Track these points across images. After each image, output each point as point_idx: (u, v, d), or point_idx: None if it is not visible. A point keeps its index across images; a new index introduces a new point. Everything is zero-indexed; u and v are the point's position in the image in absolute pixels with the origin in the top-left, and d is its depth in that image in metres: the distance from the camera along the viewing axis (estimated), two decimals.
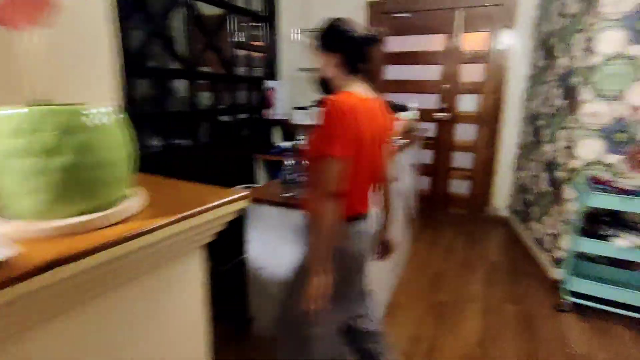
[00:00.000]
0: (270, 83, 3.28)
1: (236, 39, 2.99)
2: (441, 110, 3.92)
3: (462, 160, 3.96)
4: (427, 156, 4.09)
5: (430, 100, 3.96)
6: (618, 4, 2.17)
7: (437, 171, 4.07)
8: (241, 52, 3.13)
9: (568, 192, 2.49)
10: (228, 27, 2.81)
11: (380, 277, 1.96)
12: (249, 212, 1.87)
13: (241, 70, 3.14)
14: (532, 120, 3.30)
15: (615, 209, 2.10)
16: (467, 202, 4.01)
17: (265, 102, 3.28)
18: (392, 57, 4.05)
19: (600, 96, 2.30)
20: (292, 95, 3.59)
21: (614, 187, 2.11)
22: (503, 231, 3.61)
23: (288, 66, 3.54)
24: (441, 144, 4.00)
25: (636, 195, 2.03)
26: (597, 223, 2.26)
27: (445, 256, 3.06)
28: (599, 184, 2.16)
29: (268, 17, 3.27)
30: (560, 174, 2.61)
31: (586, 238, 2.19)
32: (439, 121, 3.96)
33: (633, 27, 2.17)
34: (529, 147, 3.33)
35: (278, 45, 3.37)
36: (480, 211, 3.94)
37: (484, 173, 3.85)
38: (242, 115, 3.25)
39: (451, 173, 4.02)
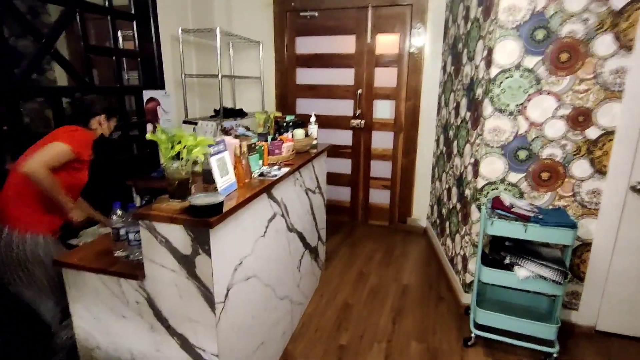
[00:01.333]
0: (149, 93, 2.82)
1: (92, 42, 2.50)
2: (356, 117, 3.66)
3: (381, 169, 3.75)
4: (345, 166, 3.83)
5: (344, 107, 3.69)
6: (513, 12, 1.99)
7: (356, 181, 3.83)
8: (104, 58, 2.64)
9: (474, 212, 2.32)
10: (78, 28, 2.31)
11: (277, 322, 1.69)
12: (69, 279, 1.47)
13: (110, 80, 2.66)
14: (445, 129, 3.14)
15: (513, 236, 1.94)
16: (388, 213, 3.81)
17: (147, 115, 2.82)
18: (302, 59, 3.72)
19: (500, 111, 2.12)
20: (182, 106, 3.15)
21: (512, 213, 1.94)
22: (422, 244, 3.45)
23: (174, 72, 3.09)
24: (359, 153, 3.76)
25: (533, 221, 1.87)
26: (501, 249, 2.10)
27: (357, 282, 2.81)
28: (499, 208, 1.99)
29: (137, 14, 2.78)
30: (467, 192, 2.44)
31: (488, 268, 2.02)
32: (355, 129, 3.71)
33: (528, 37, 1.99)
34: (443, 157, 3.16)
35: (156, 48, 2.91)
36: (401, 221, 3.76)
37: (403, 182, 3.67)
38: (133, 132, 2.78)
39: (371, 183, 3.80)
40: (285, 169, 1.95)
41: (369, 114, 3.64)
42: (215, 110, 3.36)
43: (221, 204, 1.29)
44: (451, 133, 2.90)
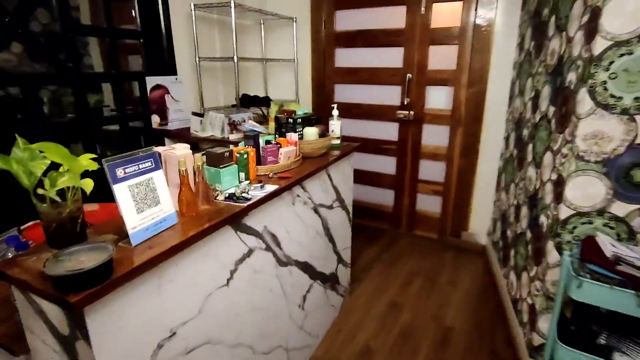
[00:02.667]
0: (155, 80, 2.41)
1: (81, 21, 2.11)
2: (404, 107, 2.96)
3: (432, 171, 3.02)
4: (388, 164, 3.17)
5: (390, 94, 3.00)
6: None
7: (401, 184, 3.16)
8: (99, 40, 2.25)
9: (551, 252, 1.58)
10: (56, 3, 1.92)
11: None
12: None
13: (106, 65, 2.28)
14: (517, 126, 2.34)
15: (616, 310, 1.20)
16: (438, 224, 3.10)
17: (152, 106, 2.42)
18: (342, 37, 3.08)
19: (606, 107, 1.34)
20: (198, 95, 2.71)
21: (618, 273, 1.20)
22: (478, 268, 2.71)
23: (188, 55, 2.64)
24: (405, 150, 3.07)
25: None
26: (593, 319, 1.36)
27: (386, 317, 2.20)
28: (594, 261, 1.25)
29: None
30: (543, 219, 1.69)
31: (570, 349, 1.30)
32: (402, 121, 3.01)
33: None
34: (513, 162, 2.38)
35: (165, 26, 2.46)
36: (454, 235, 3.03)
37: (459, 188, 2.92)
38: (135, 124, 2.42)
39: (419, 186, 3.10)
40: (273, 187, 1.39)
41: (420, 103, 2.91)
42: (237, 99, 2.88)
43: (105, 266, 0.78)
44: (525, 132, 2.12)
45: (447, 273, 2.66)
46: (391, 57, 2.93)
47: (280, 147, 1.59)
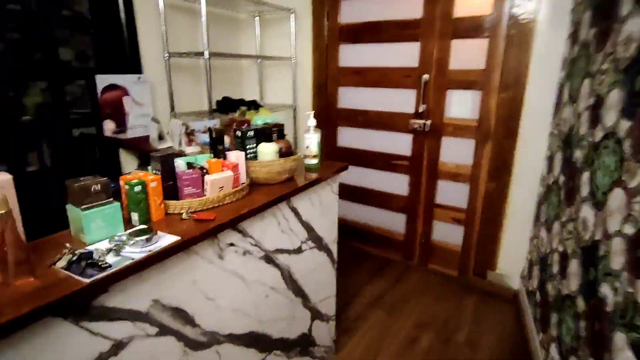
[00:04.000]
0: (109, 79, 1.98)
1: None
2: (419, 115, 2.39)
3: (452, 194, 2.42)
4: (399, 184, 2.59)
5: (402, 99, 2.44)
6: None
7: (414, 207, 2.57)
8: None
9: (622, 349, 0.97)
10: None
11: None
12: None
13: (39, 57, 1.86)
14: (566, 145, 1.71)
15: None
16: (459, 259, 2.48)
17: (105, 110, 1.99)
18: (348, 31, 2.55)
19: None
20: (166, 97, 2.26)
21: None
22: (507, 321, 2.08)
23: (154, 50, 2.20)
24: (420, 168, 2.48)
25: None
26: None
27: None
28: None
29: None
30: (607, 291, 1.09)
31: None
32: (416, 132, 2.43)
33: None
34: (559, 191, 1.75)
35: (126, 14, 2.03)
36: (478, 274, 2.41)
37: (486, 217, 2.30)
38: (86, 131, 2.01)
39: (436, 212, 2.50)
40: (172, 238, 0.89)
41: (439, 110, 2.32)
42: (218, 102, 2.41)
43: None
44: (579, 154, 1.50)
45: (466, 327, 2.05)
46: (405, 54, 2.36)
47: (207, 173, 1.08)
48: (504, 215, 2.24)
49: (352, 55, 2.56)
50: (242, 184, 1.19)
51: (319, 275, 1.56)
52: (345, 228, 2.89)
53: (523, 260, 2.23)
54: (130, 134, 2.08)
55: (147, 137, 2.05)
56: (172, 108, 2.25)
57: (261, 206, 1.13)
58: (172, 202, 1.02)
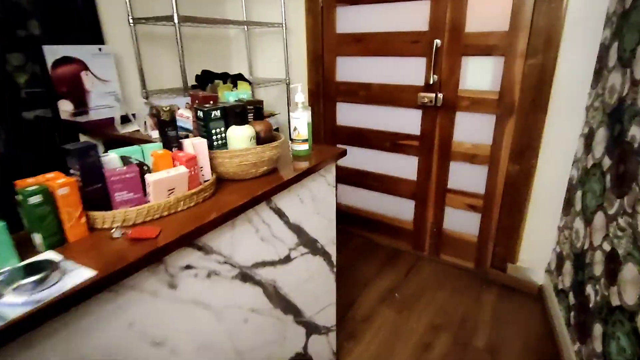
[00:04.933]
0: (61, 50, 1.65)
1: None
2: (430, 87, 2.05)
3: (467, 177, 2.11)
4: (407, 166, 2.28)
5: (409, 69, 2.09)
6: None
7: (424, 192, 2.27)
8: None
9: None
10: None
11: None
12: None
13: None
14: (612, 118, 1.38)
15: None
16: (476, 250, 2.20)
17: (60, 88, 1.67)
18: None
19: None
20: (132, 73, 1.93)
21: None
22: (531, 320, 1.81)
23: (119, 16, 1.85)
24: (430, 148, 2.16)
25: None
26: None
27: None
28: None
29: None
30: None
31: None
32: (426, 107, 2.10)
33: None
34: (601, 178, 1.44)
35: None
36: (497, 267, 2.13)
37: (507, 204, 2.00)
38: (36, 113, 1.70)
39: (449, 198, 2.20)
40: (87, 273, 0.60)
41: (453, 81, 1.98)
42: (197, 77, 2.08)
43: None
44: (637, 131, 1.18)
45: (486, 329, 1.79)
46: (412, 16, 2.00)
47: (148, 171, 0.78)
48: (527, 202, 1.94)
49: (351, 19, 2.20)
50: (206, 181, 0.89)
51: (314, 284, 1.29)
52: (349, 216, 2.61)
53: (549, 252, 1.94)
54: (93, 115, 1.77)
55: (112, 120, 1.74)
56: (143, 85, 1.93)
57: (230, 212, 0.83)
58: (99, 214, 0.73)
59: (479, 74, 1.92)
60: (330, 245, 1.35)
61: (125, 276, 0.64)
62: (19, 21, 1.56)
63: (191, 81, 2.11)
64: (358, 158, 2.44)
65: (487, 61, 1.88)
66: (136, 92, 1.94)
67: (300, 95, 1.16)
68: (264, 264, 1.02)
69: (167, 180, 0.78)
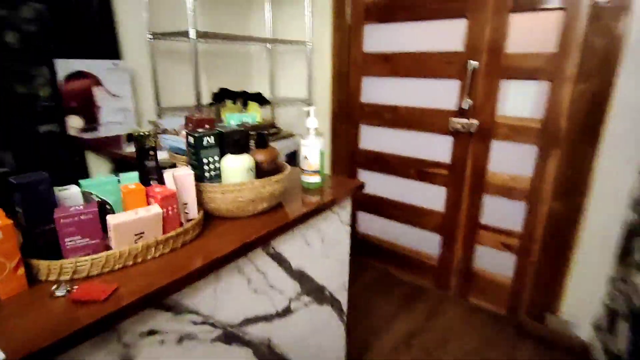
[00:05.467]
0: (74, 65, 1.58)
1: None
2: (463, 112, 1.85)
3: (502, 213, 1.87)
4: (435, 196, 2.07)
5: (442, 92, 1.90)
6: None
7: (452, 226, 2.04)
8: None
9: None
10: None
11: None
12: None
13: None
14: None
15: None
16: (509, 294, 1.93)
17: (69, 103, 1.60)
18: (375, 7, 2.03)
19: None
20: (147, 90, 1.85)
21: None
22: None
23: (138, 31, 1.78)
24: (461, 178, 1.94)
25: None
26: None
27: None
28: None
29: None
30: None
31: None
32: (458, 134, 1.90)
33: None
34: None
35: None
36: (534, 317, 1.85)
37: (548, 246, 1.74)
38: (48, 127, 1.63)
39: (481, 235, 1.96)
40: None
41: (489, 106, 1.77)
42: (214, 95, 1.97)
43: None
44: None
45: None
46: (447, 35, 1.82)
47: (112, 211, 0.63)
48: (573, 245, 1.68)
49: (380, 38, 2.05)
50: (189, 221, 0.73)
51: (319, 337, 1.10)
52: (367, 245, 2.40)
53: (597, 305, 1.66)
54: (103, 132, 1.68)
55: (118, 138, 1.64)
56: (157, 102, 1.83)
57: (212, 262, 0.67)
58: (44, 263, 0.58)
59: (520, 99, 1.70)
60: (341, 292, 1.16)
61: (51, 356, 0.49)
62: (37, 35, 1.50)
63: (209, 99, 2.01)
64: (380, 185, 2.25)
65: (529, 85, 1.67)
66: (150, 109, 1.85)
67: (313, 120, 1.00)
68: (255, 319, 0.85)
69: (134, 223, 0.62)
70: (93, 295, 0.55)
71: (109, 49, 1.70)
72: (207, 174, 0.81)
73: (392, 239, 2.30)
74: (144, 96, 1.85)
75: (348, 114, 2.26)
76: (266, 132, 0.91)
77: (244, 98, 1.92)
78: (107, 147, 1.62)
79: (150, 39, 1.76)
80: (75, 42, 1.60)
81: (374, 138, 2.21)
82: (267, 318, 0.88)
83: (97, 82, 1.64)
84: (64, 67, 1.55)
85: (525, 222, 1.79)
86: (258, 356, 0.88)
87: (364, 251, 2.43)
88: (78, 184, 0.67)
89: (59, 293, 0.56)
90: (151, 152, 0.72)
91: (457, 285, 2.09)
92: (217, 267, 0.70)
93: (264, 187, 0.82)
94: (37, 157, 1.59)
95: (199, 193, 0.79)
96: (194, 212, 0.76)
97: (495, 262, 1.94)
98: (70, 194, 0.64)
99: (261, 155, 0.86)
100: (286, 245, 0.89)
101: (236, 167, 0.80)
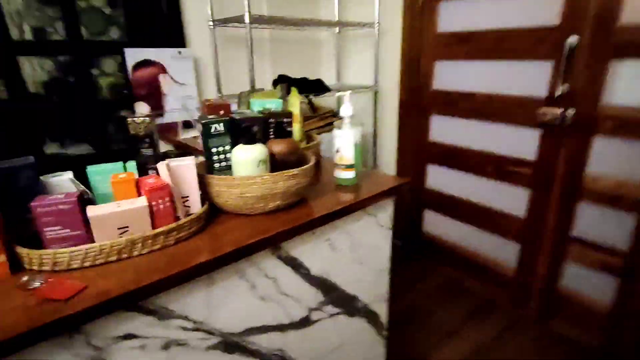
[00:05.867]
0: (142, 53, 1.64)
1: None
2: (554, 101, 1.51)
3: (602, 225, 1.50)
4: (514, 198, 1.76)
5: (529, 76, 1.59)
6: None
7: (534, 236, 1.72)
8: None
9: None
10: None
11: None
12: None
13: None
14: None
15: None
16: (604, 324, 1.57)
17: (138, 91, 1.67)
18: None
19: None
20: (209, 77, 1.86)
21: None
22: None
23: (202, 18, 1.79)
24: (549, 179, 1.61)
25: None
26: None
27: None
28: None
29: None
30: None
31: None
32: (548, 126, 1.57)
33: None
34: None
35: None
36: (638, 352, 1.48)
37: None
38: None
39: (571, 250, 1.62)
40: None
41: (592, 93, 1.42)
42: (274, 81, 1.92)
43: None
44: None
45: None
46: (538, 5, 1.50)
47: (88, 200, 0.58)
48: None
49: (456, 16, 1.78)
50: (189, 215, 0.66)
51: (350, 352, 0.97)
52: (433, 246, 2.18)
53: None
54: (167, 118, 1.74)
55: (175, 124, 1.68)
56: (219, 88, 1.84)
57: (197, 267, 0.59)
58: (25, 252, 0.56)
59: (636, 85, 1.32)
60: (379, 303, 1.01)
61: (9, 352, 0.45)
62: (106, 25, 1.60)
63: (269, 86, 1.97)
64: (451, 182, 2.00)
65: None
66: (212, 96, 1.87)
67: (348, 107, 0.86)
68: (264, 329, 0.76)
69: (115, 215, 0.57)
70: (57, 293, 0.51)
71: (175, 37, 1.74)
72: (216, 165, 0.73)
73: (462, 243, 2.04)
74: (206, 83, 1.87)
75: (418, 103, 2.04)
76: (285, 120, 0.80)
77: (304, 85, 1.83)
78: (166, 132, 1.67)
79: (212, 25, 1.76)
80: (143, 31, 1.66)
81: (446, 130, 1.96)
82: (279, 328, 0.78)
83: (163, 70, 1.70)
84: (133, 56, 1.62)
85: (633, 239, 1.42)
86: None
87: (428, 253, 2.20)
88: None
89: (35, 284, 0.53)
90: (147, 140, 0.66)
91: (537, 306, 1.77)
92: (207, 270, 0.61)
93: (277, 182, 0.71)
94: (109, 143, 1.71)
95: (207, 186, 0.72)
96: (196, 206, 0.69)
97: (589, 284, 1.58)
98: (60, 182, 0.61)
99: (278, 146, 0.75)
100: (304, 249, 0.78)
101: (244, 158, 0.70)
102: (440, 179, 2.04)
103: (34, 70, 1.53)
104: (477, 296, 1.96)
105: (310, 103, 1.91)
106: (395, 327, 1.68)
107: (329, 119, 1.89)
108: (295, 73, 2.00)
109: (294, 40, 2.22)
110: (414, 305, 1.88)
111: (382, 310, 1.04)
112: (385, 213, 0.94)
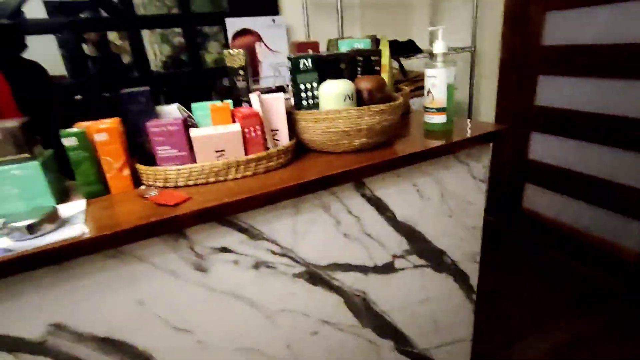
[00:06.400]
0: (240, 22, 1.74)
1: None
2: None
3: None
4: (631, 166, 1.48)
5: None
6: None
7: None
8: None
9: None
10: None
11: None
12: None
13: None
14: None
15: None
16: None
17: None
18: None
19: None
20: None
21: None
22: None
23: None
24: None
25: None
26: None
27: None
28: None
29: None
30: None
31: None
32: None
33: None
34: None
35: None
36: None
37: None
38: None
39: None
40: (78, 230, 0.50)
41: None
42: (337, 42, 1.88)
43: None
44: None
45: None
46: None
47: (192, 125, 0.63)
48: None
49: (571, 27, 1.52)
50: (278, 147, 0.69)
51: (435, 308, 0.93)
52: (538, 225, 1.96)
53: None
54: (262, 84, 1.83)
55: (270, 90, 1.75)
56: None
57: (280, 191, 0.61)
58: (143, 168, 0.63)
59: None
60: (469, 263, 0.94)
61: (120, 243, 0.52)
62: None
63: None
64: (562, 152, 1.76)
65: None
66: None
67: (441, 44, 0.79)
68: (347, 267, 0.76)
69: (213, 137, 0.61)
70: (167, 200, 0.57)
71: (268, 5, 1.80)
72: (304, 102, 0.74)
73: (572, 222, 1.80)
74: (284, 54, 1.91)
75: (523, 62, 1.82)
76: (374, 57, 0.77)
77: (393, 47, 1.76)
78: None
79: None
80: (242, 1, 1.75)
81: (558, 92, 1.72)
82: (361, 269, 0.78)
83: (259, 38, 1.78)
84: (232, 25, 1.72)
85: None
86: (350, 308, 0.80)
87: (533, 232, 1.99)
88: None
89: (150, 194, 0.60)
90: (241, 72, 0.69)
91: None
92: (292, 195, 0.63)
93: (362, 117, 0.69)
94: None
95: (295, 123, 0.73)
96: (285, 140, 0.71)
97: None
98: (170, 110, 0.68)
99: (365, 83, 0.73)
100: (389, 191, 0.76)
101: (331, 92, 0.70)
102: (547, 148, 1.81)
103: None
104: (589, 282, 1.72)
105: (400, 66, 1.83)
106: (486, 302, 1.56)
107: (419, 83, 1.79)
108: (390, 37, 1.93)
109: (384, 4, 2.14)
110: (514, 286, 1.72)
111: (472, 272, 0.97)
112: (479, 163, 0.87)
